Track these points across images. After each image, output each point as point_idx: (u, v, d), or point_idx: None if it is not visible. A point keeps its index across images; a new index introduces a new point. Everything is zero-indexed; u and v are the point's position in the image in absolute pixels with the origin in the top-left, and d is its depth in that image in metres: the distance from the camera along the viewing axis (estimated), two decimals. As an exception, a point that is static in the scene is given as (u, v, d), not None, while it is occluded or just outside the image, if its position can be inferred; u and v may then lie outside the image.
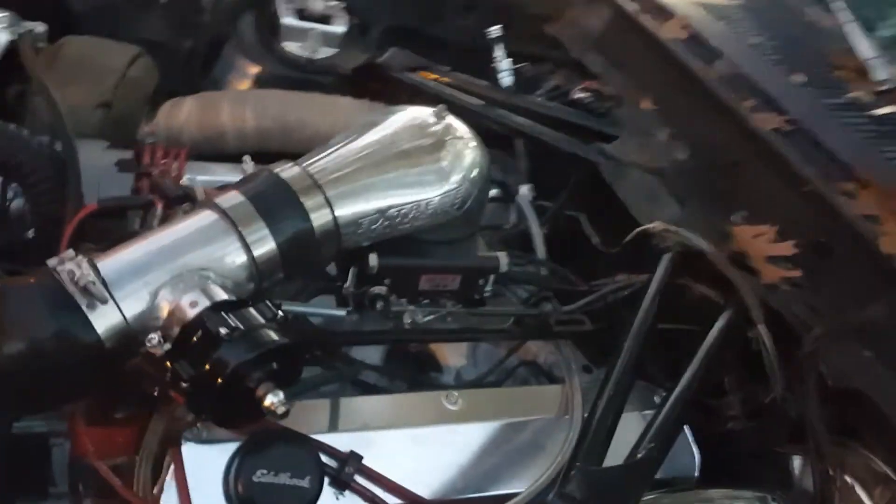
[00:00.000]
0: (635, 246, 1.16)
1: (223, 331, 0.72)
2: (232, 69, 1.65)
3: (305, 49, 1.62)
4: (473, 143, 1.01)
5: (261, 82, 1.61)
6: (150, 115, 1.33)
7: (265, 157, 1.28)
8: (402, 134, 0.96)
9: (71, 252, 0.76)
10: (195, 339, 0.73)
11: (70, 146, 1.03)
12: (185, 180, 1.17)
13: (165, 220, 0.94)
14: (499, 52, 1.46)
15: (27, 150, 1.04)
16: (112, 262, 0.77)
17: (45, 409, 0.89)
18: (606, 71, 1.45)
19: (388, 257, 0.96)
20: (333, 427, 0.94)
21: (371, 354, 1.09)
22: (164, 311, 0.76)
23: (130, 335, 0.74)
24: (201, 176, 1.23)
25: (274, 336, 0.75)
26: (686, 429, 1.04)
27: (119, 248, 0.79)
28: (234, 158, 1.29)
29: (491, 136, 1.33)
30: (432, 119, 0.99)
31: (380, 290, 0.97)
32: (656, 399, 1.05)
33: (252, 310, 0.77)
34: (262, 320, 0.75)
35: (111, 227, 0.97)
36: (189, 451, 0.84)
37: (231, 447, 0.83)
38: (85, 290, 0.72)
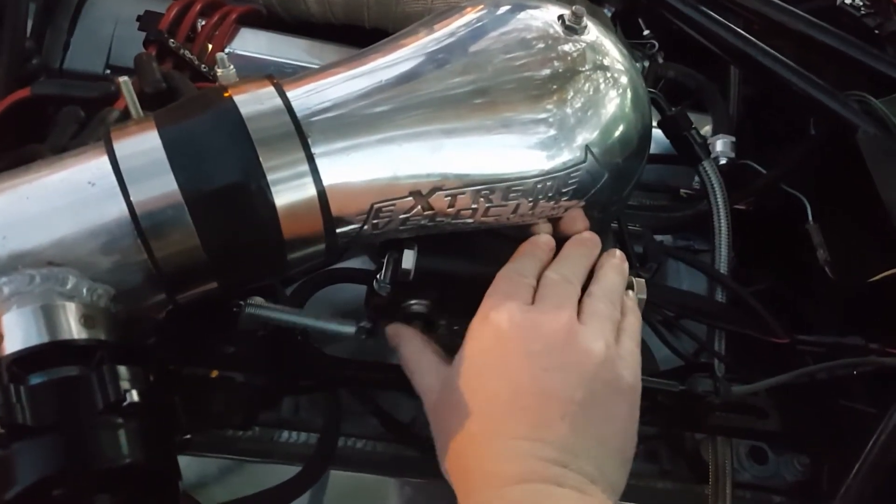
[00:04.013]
0: (888, 290, 0.68)
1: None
2: None
3: None
4: (625, 80, 0.56)
5: None
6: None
7: (356, 33, 0.92)
8: (498, 50, 0.53)
9: None
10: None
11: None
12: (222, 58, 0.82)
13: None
14: None
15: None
16: None
17: None
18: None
19: (435, 258, 0.56)
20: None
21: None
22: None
23: None
24: (254, 53, 0.87)
25: (124, 447, 0.40)
26: None
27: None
28: (324, 31, 0.93)
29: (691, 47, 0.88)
30: (559, 29, 0.55)
31: (421, 306, 0.58)
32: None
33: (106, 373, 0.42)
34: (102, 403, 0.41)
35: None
36: None
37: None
38: None
